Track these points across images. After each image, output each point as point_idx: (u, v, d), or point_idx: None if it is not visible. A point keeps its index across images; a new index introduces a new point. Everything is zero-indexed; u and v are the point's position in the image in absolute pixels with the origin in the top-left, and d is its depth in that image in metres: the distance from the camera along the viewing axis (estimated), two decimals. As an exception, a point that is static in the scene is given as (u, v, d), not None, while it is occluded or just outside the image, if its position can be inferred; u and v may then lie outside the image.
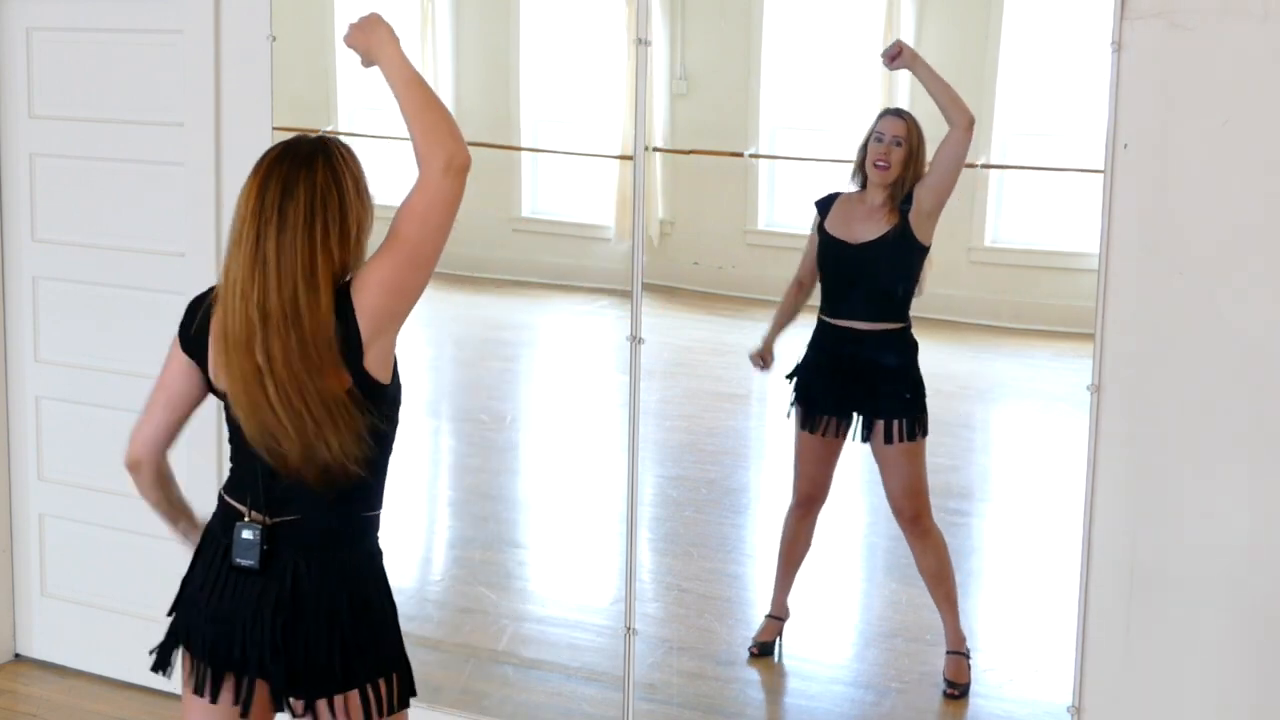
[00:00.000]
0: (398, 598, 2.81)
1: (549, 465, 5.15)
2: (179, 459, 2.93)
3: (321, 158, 2.63)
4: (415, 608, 4.58)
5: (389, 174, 5.07)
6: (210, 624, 2.74)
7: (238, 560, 2.70)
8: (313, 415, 2.59)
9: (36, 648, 4.93)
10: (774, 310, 4.23)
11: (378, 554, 2.79)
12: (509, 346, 5.36)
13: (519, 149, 4.88)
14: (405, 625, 2.84)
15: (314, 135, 2.71)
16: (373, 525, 2.79)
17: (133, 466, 2.86)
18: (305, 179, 2.60)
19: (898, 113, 3.94)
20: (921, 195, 3.86)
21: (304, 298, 2.57)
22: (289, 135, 2.76)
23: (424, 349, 5.28)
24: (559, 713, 4.19)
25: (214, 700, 2.76)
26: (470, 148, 2.71)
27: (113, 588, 4.74)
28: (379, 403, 2.65)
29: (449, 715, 4.17)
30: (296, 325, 2.57)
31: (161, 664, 2.84)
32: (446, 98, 4.85)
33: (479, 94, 4.98)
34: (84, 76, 4.59)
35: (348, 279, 2.63)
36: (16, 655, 4.96)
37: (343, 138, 2.79)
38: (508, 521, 4.99)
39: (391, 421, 2.71)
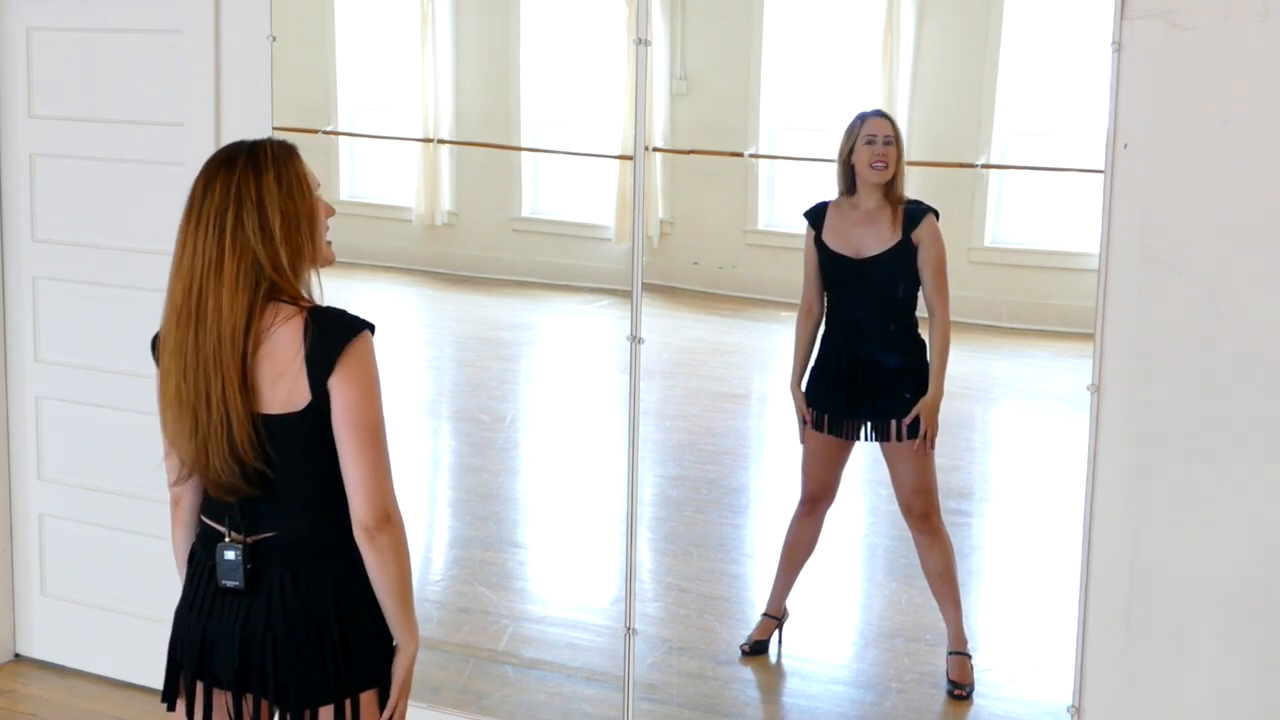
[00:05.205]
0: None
1: (549, 465, 5.14)
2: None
3: (244, 157, 2.65)
4: (415, 608, 4.57)
5: (389, 174, 5.08)
6: (200, 645, 2.75)
7: (224, 582, 2.71)
8: (199, 417, 2.63)
9: (36, 648, 4.93)
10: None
11: (362, 564, 2.77)
12: (509, 346, 5.35)
13: (519, 149, 4.87)
14: (405, 625, 2.84)
15: (249, 142, 2.71)
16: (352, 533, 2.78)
17: (173, 503, 2.88)
18: (223, 178, 2.63)
19: (879, 113, 3.94)
20: (923, 269, 3.90)
21: (210, 295, 2.60)
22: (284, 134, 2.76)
23: (424, 349, 5.28)
24: (559, 713, 4.19)
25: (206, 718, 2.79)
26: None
27: (113, 588, 4.75)
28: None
29: (449, 715, 4.17)
30: (200, 323, 2.61)
31: (169, 697, 2.85)
32: (446, 98, 4.86)
33: (479, 94, 4.98)
34: (84, 76, 4.59)
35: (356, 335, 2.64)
36: (16, 655, 4.96)
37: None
38: (508, 521, 4.99)
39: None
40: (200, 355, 2.61)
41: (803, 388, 4.09)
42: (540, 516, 5.09)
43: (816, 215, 4.01)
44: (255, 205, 2.61)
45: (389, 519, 2.67)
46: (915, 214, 3.89)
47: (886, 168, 3.89)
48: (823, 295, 4.05)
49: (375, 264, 4.90)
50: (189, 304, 2.62)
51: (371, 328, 2.67)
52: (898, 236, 3.90)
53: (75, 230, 4.66)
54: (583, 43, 4.84)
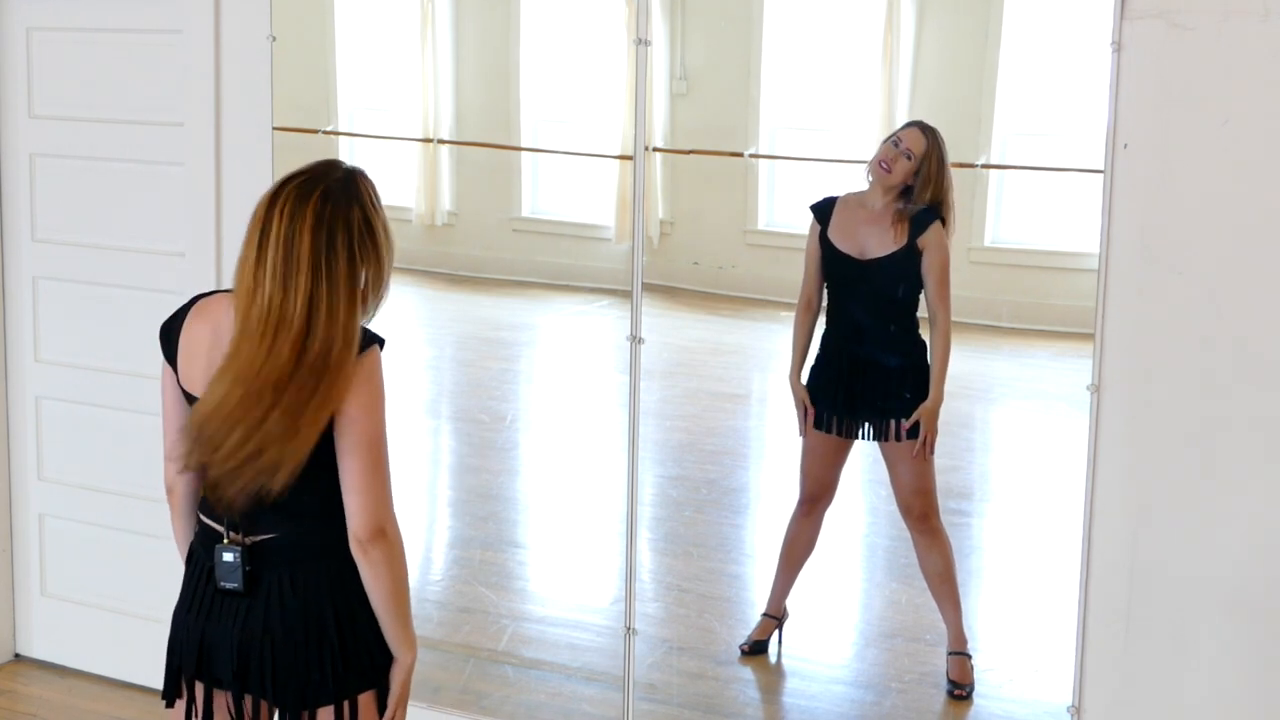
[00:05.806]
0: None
1: (549, 465, 5.14)
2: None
3: (358, 208, 2.66)
4: (415, 608, 4.55)
5: (389, 174, 5.08)
6: (199, 646, 2.76)
7: (223, 584, 2.72)
8: (254, 433, 2.62)
9: (36, 648, 4.93)
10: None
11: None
12: (509, 346, 5.35)
13: (519, 149, 4.87)
14: (405, 625, 2.84)
15: (341, 172, 2.71)
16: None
17: (167, 491, 2.88)
18: (343, 229, 2.63)
19: (923, 128, 3.92)
20: (926, 275, 3.90)
21: (315, 337, 2.60)
22: (320, 159, 2.78)
23: (424, 349, 5.28)
24: (559, 713, 4.19)
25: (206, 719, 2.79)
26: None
27: (113, 588, 4.75)
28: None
29: (449, 715, 4.17)
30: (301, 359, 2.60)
31: (170, 695, 2.85)
32: (446, 98, 4.86)
33: (479, 94, 4.98)
34: (84, 76, 4.59)
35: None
36: (16, 655, 4.96)
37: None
38: (508, 521, 4.99)
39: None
40: (270, 376, 2.60)
41: (802, 381, 4.09)
42: (540, 516, 5.09)
43: (823, 211, 4.01)
44: (376, 268, 2.67)
45: (383, 534, 2.67)
46: (922, 220, 3.89)
47: (889, 172, 3.88)
48: (822, 289, 4.05)
49: (375, 264, 4.89)
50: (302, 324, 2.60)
51: (381, 342, 2.68)
52: (903, 240, 3.90)
53: (75, 230, 4.66)
54: (583, 43, 4.84)
